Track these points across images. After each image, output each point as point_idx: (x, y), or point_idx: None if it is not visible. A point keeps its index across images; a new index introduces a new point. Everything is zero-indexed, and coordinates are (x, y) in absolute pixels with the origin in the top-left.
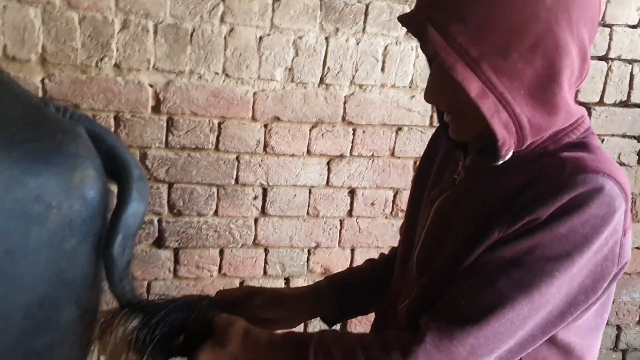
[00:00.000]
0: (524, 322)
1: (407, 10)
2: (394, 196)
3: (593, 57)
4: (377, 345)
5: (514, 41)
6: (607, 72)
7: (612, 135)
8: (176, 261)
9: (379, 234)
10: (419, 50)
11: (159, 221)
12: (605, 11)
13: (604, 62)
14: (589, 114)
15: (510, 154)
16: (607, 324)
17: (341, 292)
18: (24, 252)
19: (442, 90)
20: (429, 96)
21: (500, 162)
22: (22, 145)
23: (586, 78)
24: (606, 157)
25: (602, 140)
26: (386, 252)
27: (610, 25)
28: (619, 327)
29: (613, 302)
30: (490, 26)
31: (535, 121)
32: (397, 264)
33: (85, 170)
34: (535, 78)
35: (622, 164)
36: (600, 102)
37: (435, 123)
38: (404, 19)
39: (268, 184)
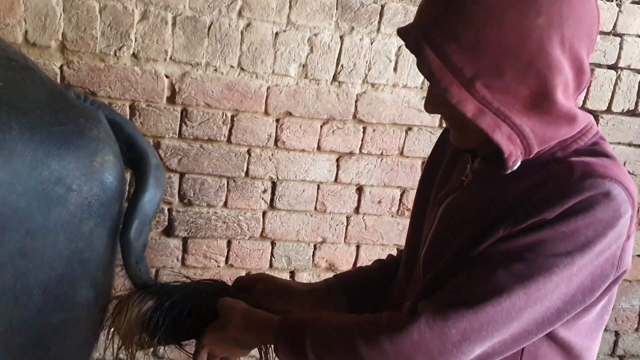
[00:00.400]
0: (520, 314)
1: None
2: (401, 195)
3: (602, 66)
4: (373, 324)
5: (508, 61)
6: (616, 80)
7: (619, 143)
8: (184, 250)
9: (385, 232)
10: None
11: (169, 210)
12: (616, 21)
13: (613, 71)
14: (596, 122)
15: (519, 164)
16: (605, 329)
17: (351, 290)
18: (44, 232)
19: (439, 105)
20: (428, 107)
21: (509, 171)
22: (46, 128)
23: (586, 88)
24: (615, 162)
25: None
26: (391, 249)
27: (620, 35)
28: (617, 334)
29: (612, 308)
30: (484, 46)
31: (537, 130)
32: (402, 265)
33: (106, 156)
34: (528, 95)
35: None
36: (608, 111)
37: (444, 124)
38: (402, 34)
39: (277, 178)
